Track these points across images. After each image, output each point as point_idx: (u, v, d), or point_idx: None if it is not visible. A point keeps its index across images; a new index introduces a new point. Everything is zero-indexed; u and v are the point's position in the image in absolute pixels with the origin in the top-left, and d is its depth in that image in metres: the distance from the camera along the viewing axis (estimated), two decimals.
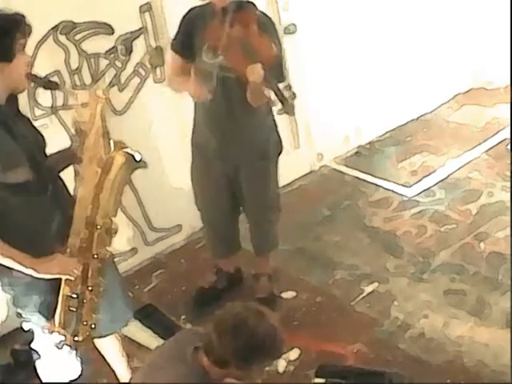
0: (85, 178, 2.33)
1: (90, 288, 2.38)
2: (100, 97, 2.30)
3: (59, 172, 2.47)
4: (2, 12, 2.20)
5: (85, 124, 2.32)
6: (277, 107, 2.78)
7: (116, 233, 2.40)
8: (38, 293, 2.37)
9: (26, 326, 2.57)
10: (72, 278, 2.34)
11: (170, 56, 3.16)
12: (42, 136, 2.41)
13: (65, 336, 2.40)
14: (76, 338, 2.42)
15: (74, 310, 2.39)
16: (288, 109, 2.71)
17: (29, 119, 2.43)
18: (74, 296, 2.37)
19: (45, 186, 2.32)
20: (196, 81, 2.92)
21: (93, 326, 2.44)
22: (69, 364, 2.62)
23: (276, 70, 2.86)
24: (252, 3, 2.85)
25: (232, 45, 2.73)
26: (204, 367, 2.03)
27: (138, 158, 2.33)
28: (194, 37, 2.90)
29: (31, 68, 3.01)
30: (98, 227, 2.34)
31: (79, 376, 2.71)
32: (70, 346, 2.42)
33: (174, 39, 3.05)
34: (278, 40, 2.96)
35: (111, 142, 2.33)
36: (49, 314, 2.41)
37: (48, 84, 2.51)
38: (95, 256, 2.37)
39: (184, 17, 2.98)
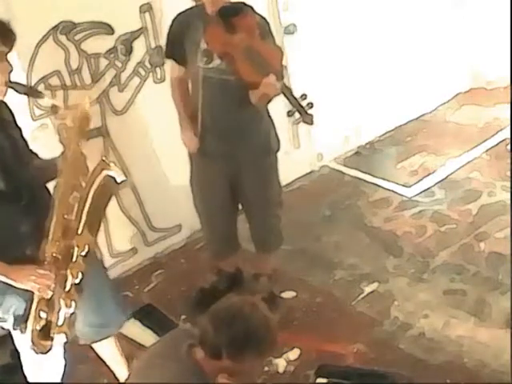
0: (59, 189, 2.30)
1: (65, 300, 2.34)
2: (86, 109, 2.27)
3: (51, 180, 2.41)
4: None
5: (68, 135, 2.29)
6: (295, 116, 2.76)
7: (92, 249, 2.37)
8: (12, 293, 2.33)
9: (3, 326, 2.55)
10: (44, 296, 2.30)
11: (170, 65, 3.16)
12: (24, 142, 2.37)
13: (32, 340, 2.36)
14: (45, 344, 2.37)
15: (45, 315, 2.34)
16: (307, 119, 2.70)
17: (14, 122, 2.37)
18: (45, 304, 2.33)
19: (18, 196, 2.28)
20: (187, 130, 3.04)
21: (64, 335, 2.38)
22: (53, 361, 2.59)
23: None
24: (249, 6, 2.82)
25: (236, 53, 2.71)
26: (200, 365, 2.03)
27: (119, 180, 2.30)
28: (185, 41, 2.90)
29: (31, 68, 3.02)
30: (79, 242, 2.31)
31: (64, 369, 2.68)
32: (37, 351, 2.37)
33: (166, 46, 3.06)
34: (273, 40, 2.95)
35: (99, 159, 2.30)
36: (22, 315, 2.37)
37: (30, 92, 2.46)
38: (72, 270, 2.33)
39: (173, 21, 2.97)
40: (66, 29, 3.27)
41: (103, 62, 3.47)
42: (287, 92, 2.65)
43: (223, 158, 3.07)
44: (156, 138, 3.72)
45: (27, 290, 2.31)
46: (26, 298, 2.34)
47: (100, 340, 2.71)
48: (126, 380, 2.39)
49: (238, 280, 3.60)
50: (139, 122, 3.61)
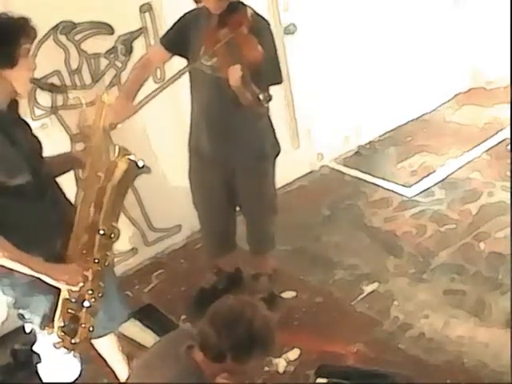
0: (87, 182, 2.34)
1: (89, 292, 2.39)
2: (105, 102, 2.30)
3: (58, 176, 2.46)
4: (7, 16, 2.18)
5: (89, 128, 2.32)
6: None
7: (118, 238, 2.40)
8: (39, 293, 2.37)
9: (27, 328, 2.58)
10: (75, 289, 2.35)
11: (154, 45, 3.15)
12: (38, 140, 2.40)
13: (62, 338, 2.40)
14: (73, 341, 2.42)
15: (73, 312, 2.39)
16: (262, 111, 2.69)
17: (26, 123, 2.41)
18: (73, 300, 2.38)
19: (43, 193, 2.31)
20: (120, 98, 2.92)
21: (91, 328, 2.44)
22: (69, 364, 2.62)
23: (270, 72, 2.84)
24: (244, 5, 2.81)
25: (221, 46, 2.71)
26: (198, 366, 2.03)
27: (140, 164, 2.33)
28: (188, 39, 2.89)
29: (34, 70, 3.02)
30: (100, 232, 2.34)
31: (79, 376, 2.72)
32: (66, 348, 2.42)
33: (165, 34, 3.05)
34: (272, 42, 2.91)
35: (116, 148, 2.33)
36: (49, 315, 2.41)
37: (53, 88, 2.50)
38: (96, 261, 2.37)
39: (180, 18, 2.97)
40: (66, 29, 3.28)
41: (103, 62, 3.47)
42: (248, 83, 2.63)
43: (217, 160, 3.07)
44: (156, 138, 3.72)
45: (55, 288, 2.33)
46: (52, 298, 2.37)
47: (104, 335, 2.72)
48: (126, 380, 2.40)
49: (238, 280, 3.61)
50: (139, 121, 3.61)
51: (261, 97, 2.59)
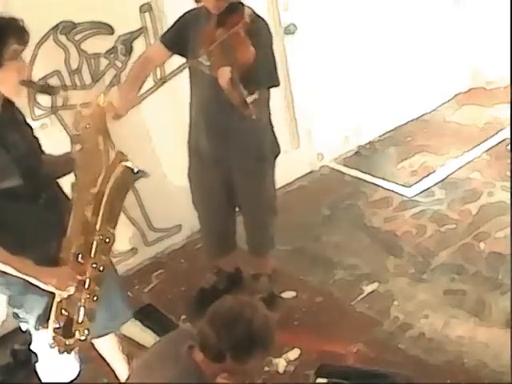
0: (82, 184, 2.32)
1: (86, 295, 2.36)
2: (101, 105, 2.29)
3: (62, 176, 2.45)
4: None
5: (84, 130, 2.30)
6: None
7: (113, 243, 2.37)
8: (34, 293, 2.35)
9: (23, 327, 2.57)
10: (65, 296, 2.32)
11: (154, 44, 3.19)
12: (36, 140, 2.39)
13: (55, 339, 2.39)
14: (67, 342, 2.39)
15: (67, 314, 2.37)
16: (247, 113, 2.68)
17: (24, 122, 2.39)
18: (67, 303, 2.35)
19: (37, 195, 2.30)
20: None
21: (86, 331, 2.41)
22: (68, 364, 2.62)
23: (267, 74, 2.83)
24: (243, 5, 2.80)
25: (216, 47, 2.70)
26: (198, 366, 2.03)
27: (136, 170, 2.32)
28: (188, 38, 2.89)
29: (31, 70, 3.02)
30: (98, 236, 2.32)
31: (78, 375, 2.71)
32: (60, 349, 2.40)
33: (165, 33, 3.05)
34: (270, 44, 2.90)
35: (114, 152, 2.32)
36: (44, 315, 2.39)
37: (46, 89, 2.47)
38: (94, 265, 2.35)
39: (180, 17, 2.97)
40: (66, 29, 3.28)
41: (103, 62, 3.47)
42: (237, 85, 2.61)
43: (216, 161, 3.06)
44: (156, 138, 3.72)
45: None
46: (47, 298, 2.35)
47: (105, 335, 2.71)
48: (126, 380, 2.39)
49: (238, 280, 3.61)
50: (139, 121, 3.61)
51: (248, 100, 2.58)
